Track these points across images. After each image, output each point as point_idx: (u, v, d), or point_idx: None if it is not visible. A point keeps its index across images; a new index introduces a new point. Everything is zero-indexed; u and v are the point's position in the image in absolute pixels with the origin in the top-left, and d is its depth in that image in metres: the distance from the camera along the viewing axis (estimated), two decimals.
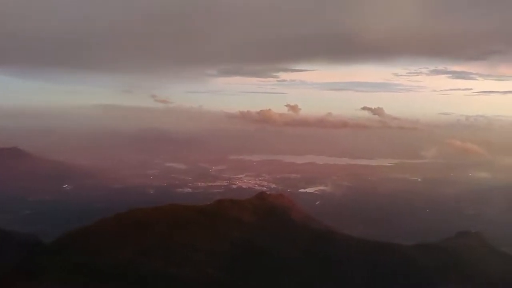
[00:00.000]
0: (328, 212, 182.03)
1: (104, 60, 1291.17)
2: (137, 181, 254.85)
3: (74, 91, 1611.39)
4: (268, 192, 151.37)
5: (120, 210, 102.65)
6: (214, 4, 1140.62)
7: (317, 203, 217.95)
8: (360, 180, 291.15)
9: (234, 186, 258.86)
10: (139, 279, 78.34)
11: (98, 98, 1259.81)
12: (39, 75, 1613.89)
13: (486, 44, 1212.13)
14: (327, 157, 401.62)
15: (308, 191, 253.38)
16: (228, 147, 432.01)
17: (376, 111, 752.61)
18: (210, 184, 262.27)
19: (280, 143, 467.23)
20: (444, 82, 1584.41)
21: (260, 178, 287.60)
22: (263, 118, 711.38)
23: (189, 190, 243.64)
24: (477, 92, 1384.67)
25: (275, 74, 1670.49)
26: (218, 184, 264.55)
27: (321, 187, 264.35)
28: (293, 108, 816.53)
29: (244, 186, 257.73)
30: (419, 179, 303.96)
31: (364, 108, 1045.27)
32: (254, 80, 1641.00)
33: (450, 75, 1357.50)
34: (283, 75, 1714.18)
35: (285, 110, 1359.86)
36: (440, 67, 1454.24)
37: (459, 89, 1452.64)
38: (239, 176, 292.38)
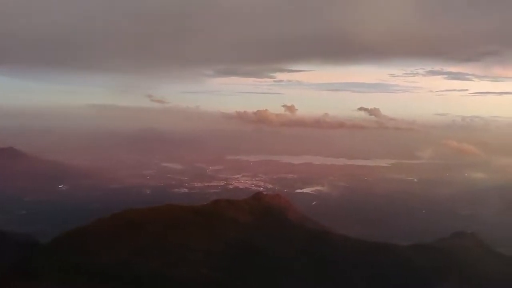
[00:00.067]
0: (325, 212, 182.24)
1: (100, 60, 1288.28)
2: (134, 181, 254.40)
3: (69, 91, 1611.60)
4: (264, 193, 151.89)
5: (117, 210, 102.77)
6: (211, 5, 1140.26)
7: (313, 203, 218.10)
8: (357, 181, 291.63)
9: (230, 187, 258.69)
10: (136, 279, 78.47)
11: (94, 98, 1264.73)
12: (33, 75, 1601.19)
13: (482, 45, 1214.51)
14: (324, 157, 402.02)
15: (304, 191, 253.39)
16: (225, 147, 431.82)
17: (373, 112, 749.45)
18: (206, 184, 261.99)
19: (277, 144, 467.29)
20: (440, 83, 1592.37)
21: (256, 179, 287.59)
22: (260, 119, 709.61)
23: (186, 190, 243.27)
24: (473, 93, 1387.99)
25: (271, 74, 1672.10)
26: (215, 184, 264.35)
27: (318, 188, 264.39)
28: (290, 108, 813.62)
29: (240, 187, 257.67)
30: (415, 180, 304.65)
31: (360, 109, 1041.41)
32: (251, 80, 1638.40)
33: (446, 76, 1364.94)
34: (280, 76, 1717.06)
35: (281, 110, 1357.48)
36: (436, 68, 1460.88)
37: (455, 90, 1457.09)
38: (235, 176, 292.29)
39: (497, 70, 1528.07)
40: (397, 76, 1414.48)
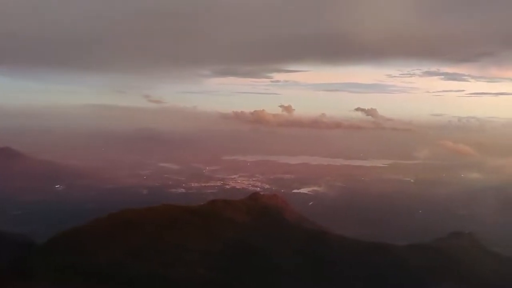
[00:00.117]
0: (322, 212, 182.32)
1: (97, 60, 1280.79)
2: (130, 181, 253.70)
3: (66, 91, 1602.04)
4: (261, 193, 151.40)
5: (113, 210, 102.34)
6: (209, 5, 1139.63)
7: (310, 203, 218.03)
8: (354, 181, 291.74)
9: (227, 187, 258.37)
10: (132, 279, 78.24)
11: (91, 98, 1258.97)
12: (30, 75, 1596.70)
13: (478, 46, 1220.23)
14: (321, 157, 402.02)
15: (301, 191, 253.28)
16: (222, 147, 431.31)
17: (370, 112, 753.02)
18: (203, 184, 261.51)
19: (274, 144, 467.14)
20: (436, 83, 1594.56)
21: (253, 179, 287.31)
22: (257, 119, 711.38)
23: (183, 190, 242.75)
24: (469, 94, 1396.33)
25: (269, 74, 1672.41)
26: (212, 184, 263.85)
27: (315, 188, 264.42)
28: (287, 108, 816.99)
29: (237, 187, 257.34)
30: (412, 180, 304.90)
31: (357, 109, 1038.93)
32: (248, 80, 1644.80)
33: (442, 76, 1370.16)
34: (277, 76, 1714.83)
35: (279, 110, 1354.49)
36: (433, 68, 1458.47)
37: (451, 91, 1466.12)
38: (232, 177, 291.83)
39: (493, 71, 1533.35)
40: (394, 76, 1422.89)
